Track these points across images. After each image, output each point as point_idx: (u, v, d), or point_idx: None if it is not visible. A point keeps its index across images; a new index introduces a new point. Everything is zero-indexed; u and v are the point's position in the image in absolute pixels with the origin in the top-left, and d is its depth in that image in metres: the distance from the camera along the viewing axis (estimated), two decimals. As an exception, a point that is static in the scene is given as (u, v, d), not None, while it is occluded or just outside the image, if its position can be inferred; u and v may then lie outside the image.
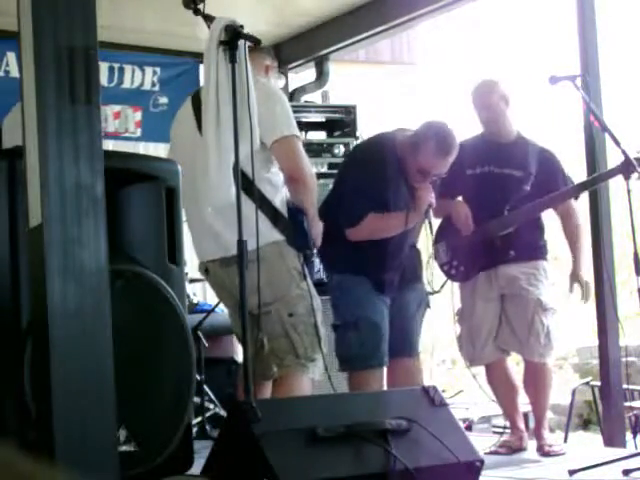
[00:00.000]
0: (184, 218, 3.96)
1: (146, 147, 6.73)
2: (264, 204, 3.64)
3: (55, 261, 2.76)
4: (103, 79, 6.10)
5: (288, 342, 3.68)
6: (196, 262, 6.98)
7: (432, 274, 4.60)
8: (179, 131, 4.01)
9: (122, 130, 6.52)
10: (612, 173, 4.36)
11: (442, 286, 4.77)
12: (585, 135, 4.91)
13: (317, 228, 3.82)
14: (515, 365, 5.19)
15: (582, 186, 4.59)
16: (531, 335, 4.53)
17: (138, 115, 6.58)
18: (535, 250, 4.66)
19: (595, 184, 4.62)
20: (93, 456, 2.78)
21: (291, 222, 3.71)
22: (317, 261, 3.92)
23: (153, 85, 6.62)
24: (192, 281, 5.93)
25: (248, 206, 3.46)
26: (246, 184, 3.52)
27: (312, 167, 3.84)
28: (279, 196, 3.74)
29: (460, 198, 4.77)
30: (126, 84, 6.42)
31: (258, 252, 3.33)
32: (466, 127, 4.92)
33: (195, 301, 5.58)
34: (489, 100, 4.66)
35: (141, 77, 6.55)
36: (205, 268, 3.95)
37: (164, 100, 6.65)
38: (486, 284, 4.65)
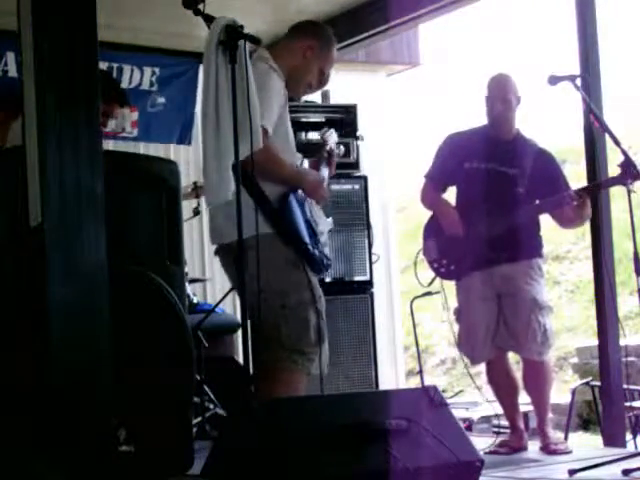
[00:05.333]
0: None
1: (146, 147, 6.74)
2: (256, 195, 3.60)
3: (55, 261, 2.76)
4: (102, 79, 6.10)
5: (277, 334, 3.63)
6: (196, 262, 7.00)
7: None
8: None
9: (119, 130, 6.51)
10: (614, 181, 4.35)
11: (430, 283, 4.78)
12: (585, 135, 4.91)
13: (308, 184, 3.74)
14: (515, 363, 5.19)
15: (583, 191, 4.56)
16: (528, 335, 4.53)
17: (135, 115, 6.58)
18: (530, 248, 4.66)
19: (597, 191, 4.60)
20: (92, 456, 2.79)
21: (279, 212, 3.65)
22: (325, 250, 3.79)
23: (151, 85, 6.62)
24: (192, 281, 5.93)
25: (243, 199, 3.44)
26: (244, 179, 3.51)
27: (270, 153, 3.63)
28: (269, 187, 3.68)
29: (454, 189, 4.79)
30: (124, 84, 6.41)
31: (257, 242, 3.31)
32: (466, 127, 4.92)
33: (195, 301, 5.57)
34: (505, 94, 4.66)
35: (139, 77, 6.55)
36: (216, 251, 3.89)
37: (162, 100, 6.65)
38: (482, 283, 4.65)
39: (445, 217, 4.68)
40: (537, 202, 4.65)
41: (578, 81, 4.33)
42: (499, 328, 4.64)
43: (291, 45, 3.90)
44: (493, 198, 4.59)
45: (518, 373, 4.82)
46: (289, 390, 3.62)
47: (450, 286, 4.80)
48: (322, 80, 3.96)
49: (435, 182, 4.80)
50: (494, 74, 4.76)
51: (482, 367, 5.01)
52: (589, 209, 4.55)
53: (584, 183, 4.93)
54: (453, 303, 4.82)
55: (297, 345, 3.65)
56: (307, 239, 3.69)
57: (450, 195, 4.87)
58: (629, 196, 4.10)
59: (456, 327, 4.80)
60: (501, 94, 4.66)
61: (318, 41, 3.91)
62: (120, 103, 4.59)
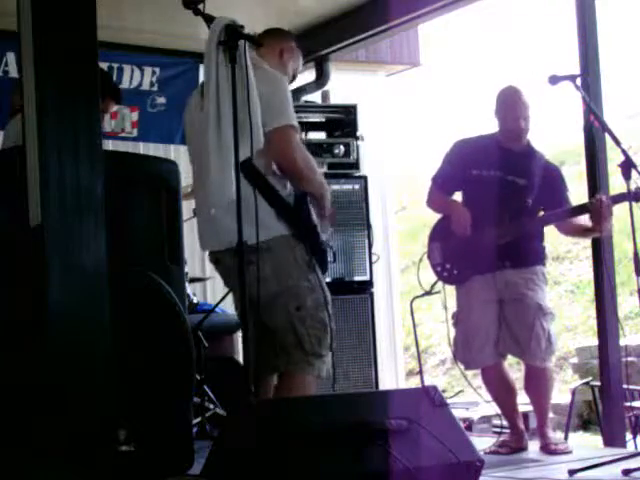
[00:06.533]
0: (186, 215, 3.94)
1: (146, 147, 6.74)
2: (272, 196, 3.58)
3: (55, 261, 2.76)
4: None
5: (295, 337, 3.61)
6: (196, 262, 6.98)
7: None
8: (189, 118, 3.92)
9: (118, 130, 6.52)
10: (619, 198, 4.34)
11: (433, 286, 4.76)
12: (585, 135, 4.90)
13: (326, 211, 3.75)
14: (515, 364, 5.19)
15: (587, 206, 4.54)
16: (532, 340, 4.52)
17: (135, 115, 6.58)
18: (534, 256, 4.65)
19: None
20: (92, 456, 2.79)
21: (296, 213, 3.63)
22: (330, 252, 3.79)
23: (152, 85, 6.62)
24: (192, 281, 5.93)
25: (256, 200, 3.45)
26: (255, 178, 3.51)
27: (308, 157, 3.68)
28: (286, 187, 3.66)
29: (460, 195, 4.77)
30: (125, 84, 6.41)
31: (265, 244, 3.32)
32: (466, 127, 4.92)
33: (195, 301, 5.57)
34: (525, 111, 4.63)
35: (140, 77, 6.55)
36: (215, 259, 3.83)
37: (162, 100, 6.65)
38: (484, 287, 4.63)
39: (456, 214, 4.64)
40: (544, 214, 4.64)
41: (578, 81, 4.33)
42: (501, 334, 4.62)
43: (267, 48, 3.88)
44: (502, 207, 4.57)
45: (516, 374, 4.81)
46: (304, 393, 3.61)
47: (450, 287, 4.79)
48: (291, 81, 4.01)
49: (440, 186, 4.78)
50: (504, 87, 4.71)
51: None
52: (607, 223, 4.46)
53: (585, 183, 4.94)
54: (453, 303, 4.80)
55: (317, 349, 3.63)
56: (323, 238, 3.71)
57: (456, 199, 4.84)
58: (630, 200, 4.09)
59: (452, 332, 4.77)
60: (516, 110, 4.62)
61: (289, 43, 3.97)
62: (115, 99, 4.56)
